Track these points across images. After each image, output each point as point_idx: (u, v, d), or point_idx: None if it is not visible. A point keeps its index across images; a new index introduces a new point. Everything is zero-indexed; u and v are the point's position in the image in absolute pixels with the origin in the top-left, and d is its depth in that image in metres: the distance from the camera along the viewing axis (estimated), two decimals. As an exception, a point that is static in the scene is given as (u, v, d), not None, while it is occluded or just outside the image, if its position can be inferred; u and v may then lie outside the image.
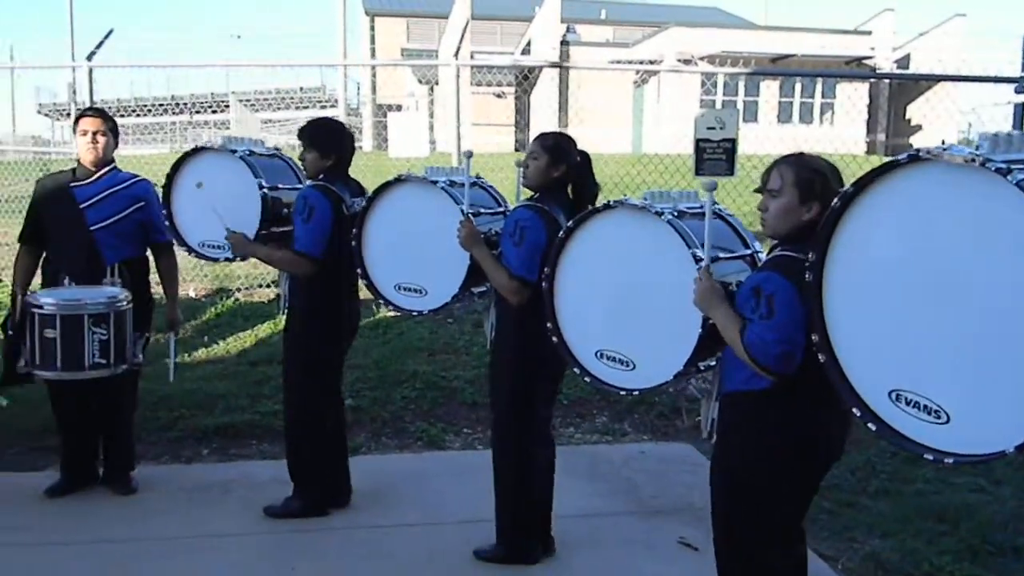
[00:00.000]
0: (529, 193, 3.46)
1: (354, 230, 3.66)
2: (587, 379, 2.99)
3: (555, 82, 24.66)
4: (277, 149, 4.28)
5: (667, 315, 2.72)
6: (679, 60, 21.60)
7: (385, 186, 3.62)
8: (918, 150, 2.00)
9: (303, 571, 3.52)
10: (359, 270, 3.70)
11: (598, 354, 2.95)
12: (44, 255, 4.17)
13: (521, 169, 3.48)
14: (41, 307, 3.74)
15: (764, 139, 11.13)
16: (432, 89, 24.73)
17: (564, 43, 28.02)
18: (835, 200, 2.20)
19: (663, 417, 5.36)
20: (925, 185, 2.01)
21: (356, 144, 4.03)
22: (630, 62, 23.56)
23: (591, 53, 26.55)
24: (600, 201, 3.35)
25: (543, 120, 21.62)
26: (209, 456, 4.80)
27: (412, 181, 3.57)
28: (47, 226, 4.11)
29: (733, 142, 6.50)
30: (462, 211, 3.37)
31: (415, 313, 3.65)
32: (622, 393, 2.92)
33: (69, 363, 3.77)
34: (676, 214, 2.74)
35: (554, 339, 3.05)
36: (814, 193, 2.42)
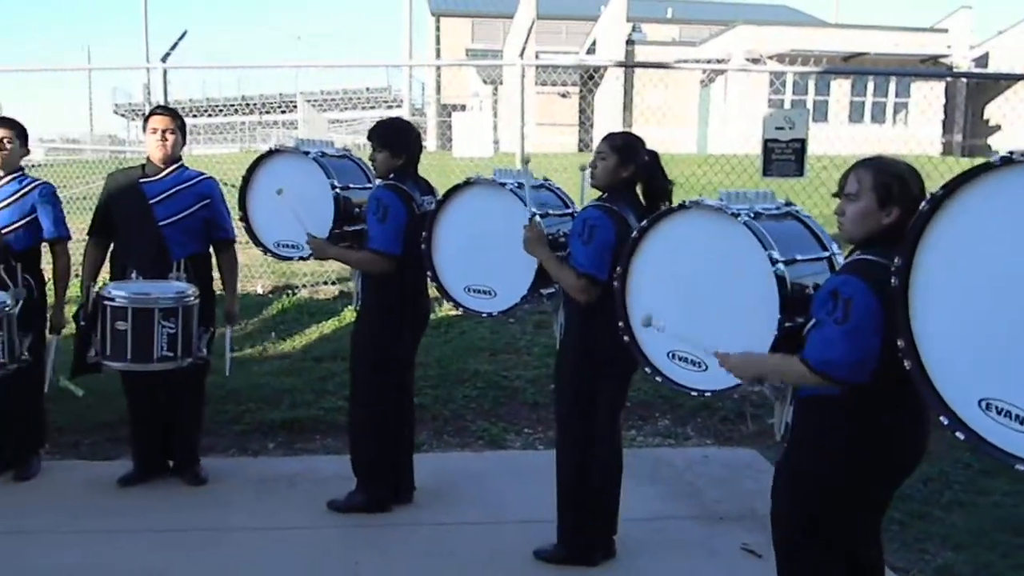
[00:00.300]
0: (596, 194, 3.44)
1: (423, 233, 3.68)
2: (659, 379, 2.96)
3: (620, 81, 24.50)
4: (347, 150, 4.33)
5: (742, 317, 2.67)
6: (747, 59, 21.25)
7: (454, 189, 3.63)
8: (1011, 152, 1.92)
9: (366, 565, 3.55)
10: (429, 272, 3.72)
11: (670, 355, 2.91)
12: (112, 248, 4.30)
13: (587, 171, 3.46)
14: (113, 300, 3.85)
15: (835, 139, 10.85)
16: (496, 89, 24.81)
17: (630, 42, 27.84)
18: (923, 204, 2.13)
19: (727, 422, 5.27)
20: (1018, 187, 1.93)
21: (421, 144, 4.07)
22: (697, 61, 23.28)
23: (657, 52, 26.31)
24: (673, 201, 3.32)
25: (608, 120, 21.50)
26: (275, 450, 4.88)
27: (481, 183, 3.58)
28: (116, 220, 4.23)
29: (803, 142, 6.38)
30: (531, 212, 3.36)
31: (484, 315, 3.65)
32: (694, 394, 2.88)
33: (139, 355, 3.87)
34: (752, 215, 2.68)
35: (625, 338, 3.02)
36: (893, 197, 2.35)
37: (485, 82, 25.87)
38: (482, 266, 3.59)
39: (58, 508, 4.02)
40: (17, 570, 3.48)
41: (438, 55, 33.59)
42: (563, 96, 25.89)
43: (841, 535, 2.54)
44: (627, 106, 24.44)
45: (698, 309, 2.81)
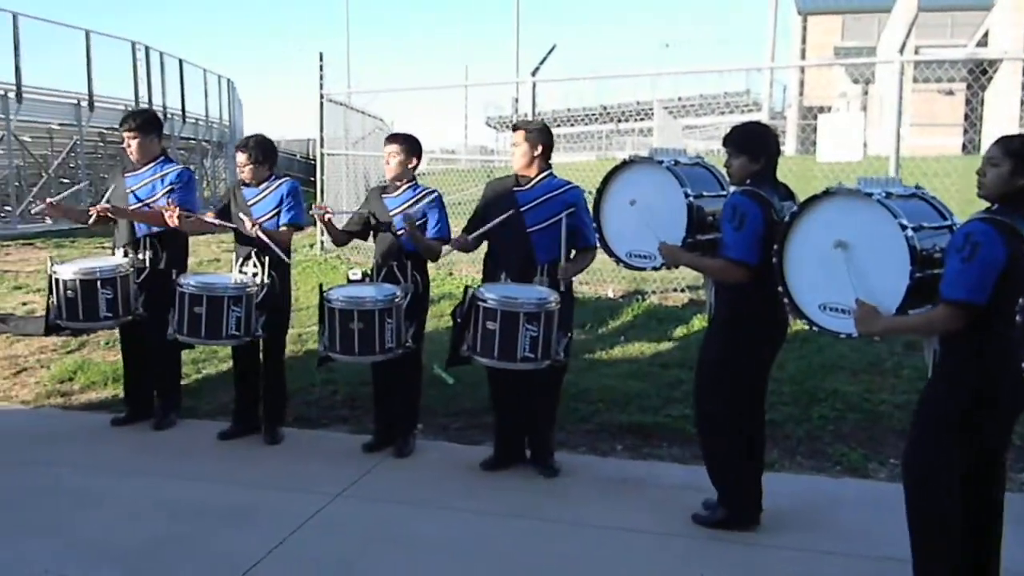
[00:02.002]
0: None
1: (775, 246, 3.49)
2: None
3: (1019, 76, 21.65)
4: (700, 157, 4.27)
5: None
6: None
7: (812, 199, 3.39)
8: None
9: (710, 581, 3.48)
10: (780, 288, 3.49)
11: None
12: (486, 250, 4.63)
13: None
14: (485, 301, 4.17)
15: None
16: (866, 88, 23.17)
17: (1031, 30, 24.50)
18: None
19: None
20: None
21: (779, 147, 3.89)
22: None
23: (1066, 39, 22.85)
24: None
25: (1002, 119, 19.08)
26: (622, 452, 4.95)
27: (842, 193, 3.31)
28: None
29: None
30: (901, 225, 3.04)
31: (842, 335, 3.38)
32: None
33: (504, 354, 4.15)
34: None
35: None
36: None
37: (855, 81, 24.27)
38: (841, 283, 3.30)
39: (429, 485, 4.44)
40: (392, 537, 3.89)
41: (803, 55, 32.24)
42: (948, 94, 23.44)
43: None
44: (1026, 103, 21.51)
45: None
